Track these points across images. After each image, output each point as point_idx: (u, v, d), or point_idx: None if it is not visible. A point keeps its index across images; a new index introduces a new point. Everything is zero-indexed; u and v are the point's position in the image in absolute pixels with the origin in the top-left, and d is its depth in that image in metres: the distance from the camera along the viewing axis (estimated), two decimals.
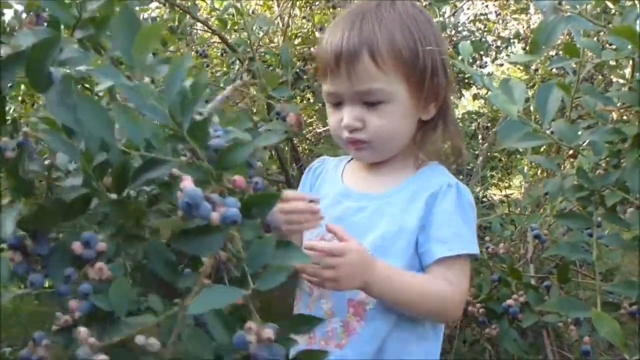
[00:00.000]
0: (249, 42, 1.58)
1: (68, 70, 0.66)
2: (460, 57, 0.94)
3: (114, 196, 0.67)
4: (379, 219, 1.00)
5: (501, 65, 3.61)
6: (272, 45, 2.49)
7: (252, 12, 2.63)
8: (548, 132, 1.02)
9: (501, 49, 3.31)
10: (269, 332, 0.60)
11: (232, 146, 0.70)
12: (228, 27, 1.64)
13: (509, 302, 1.44)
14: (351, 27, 0.97)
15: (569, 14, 1.00)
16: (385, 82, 0.97)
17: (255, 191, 0.75)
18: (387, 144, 1.03)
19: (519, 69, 3.27)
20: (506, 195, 3.61)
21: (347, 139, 1.01)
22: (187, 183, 0.62)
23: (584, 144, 1.23)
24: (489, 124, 3.13)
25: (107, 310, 0.63)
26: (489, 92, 0.95)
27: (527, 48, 1.04)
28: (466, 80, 2.97)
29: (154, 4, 1.99)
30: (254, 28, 1.57)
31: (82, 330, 0.59)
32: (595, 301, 1.10)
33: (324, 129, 2.87)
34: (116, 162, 0.66)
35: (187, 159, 0.70)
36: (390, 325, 0.97)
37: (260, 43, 2.24)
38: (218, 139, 0.72)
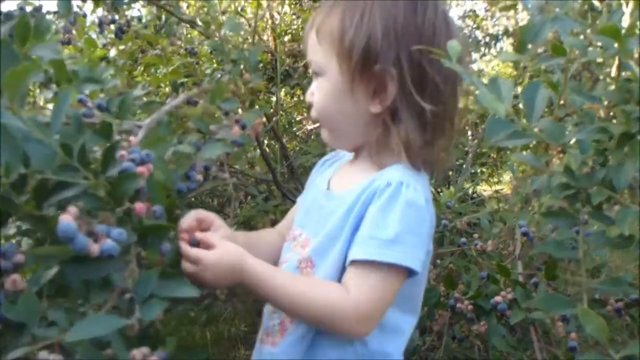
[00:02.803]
0: (227, 44, 1.57)
1: None
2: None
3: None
4: (329, 219, 0.95)
5: (490, 61, 3.63)
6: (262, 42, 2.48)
7: (242, 10, 2.62)
8: (535, 130, 1.03)
9: (490, 45, 3.33)
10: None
11: (122, 177, 0.73)
12: (213, 27, 1.63)
13: (497, 298, 1.46)
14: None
15: (555, 13, 1.01)
16: (320, 54, 0.94)
17: (155, 219, 0.78)
18: (331, 124, 0.98)
19: (508, 65, 3.29)
20: (496, 191, 3.63)
21: None
22: (64, 217, 0.66)
23: (571, 142, 1.24)
24: (477, 121, 3.14)
25: (17, 321, 0.65)
26: (477, 91, 0.95)
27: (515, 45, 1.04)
28: None
29: (138, 3, 1.98)
30: (225, 32, 1.56)
31: None
32: (583, 297, 1.11)
33: (314, 126, 2.88)
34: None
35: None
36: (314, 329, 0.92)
37: (249, 41, 2.24)
38: (128, 163, 0.76)
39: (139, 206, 0.73)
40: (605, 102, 1.22)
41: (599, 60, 1.75)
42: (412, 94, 0.89)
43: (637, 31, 1.12)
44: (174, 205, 0.85)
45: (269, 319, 0.98)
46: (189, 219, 0.92)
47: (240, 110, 1.38)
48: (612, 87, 1.33)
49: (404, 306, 0.95)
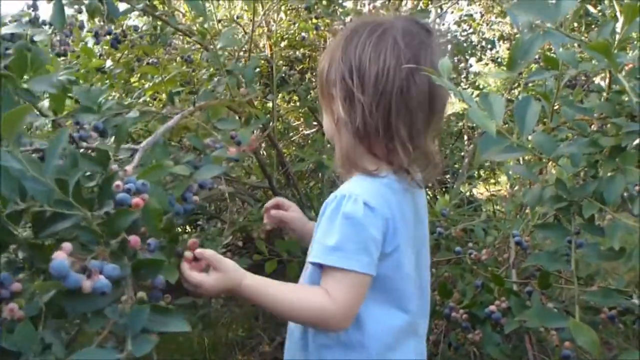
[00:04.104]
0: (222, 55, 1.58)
1: None
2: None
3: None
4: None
5: (486, 64, 3.63)
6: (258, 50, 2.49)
7: (238, 17, 2.63)
8: (527, 140, 1.04)
9: (485, 49, 3.33)
10: None
11: (118, 213, 0.76)
12: (209, 37, 1.64)
13: (492, 308, 1.46)
14: None
15: (546, 29, 1.01)
16: None
17: (149, 252, 0.81)
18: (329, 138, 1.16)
19: (503, 69, 3.29)
20: (492, 194, 3.64)
21: None
22: (58, 254, 0.68)
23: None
24: (474, 124, 3.14)
25: (14, 350, 0.66)
26: (469, 106, 0.96)
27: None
28: (453, 81, 2.97)
29: (135, 12, 1.98)
30: (218, 48, 1.57)
31: None
32: (575, 307, 1.12)
33: (310, 131, 2.88)
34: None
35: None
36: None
37: (245, 48, 2.24)
38: (124, 193, 0.78)
39: (134, 239, 0.76)
40: (596, 114, 1.23)
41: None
42: (340, 110, 1.05)
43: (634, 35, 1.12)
44: (172, 228, 0.87)
45: None
46: (272, 201, 1.26)
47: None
48: (603, 98, 1.34)
49: (378, 300, 1.04)
